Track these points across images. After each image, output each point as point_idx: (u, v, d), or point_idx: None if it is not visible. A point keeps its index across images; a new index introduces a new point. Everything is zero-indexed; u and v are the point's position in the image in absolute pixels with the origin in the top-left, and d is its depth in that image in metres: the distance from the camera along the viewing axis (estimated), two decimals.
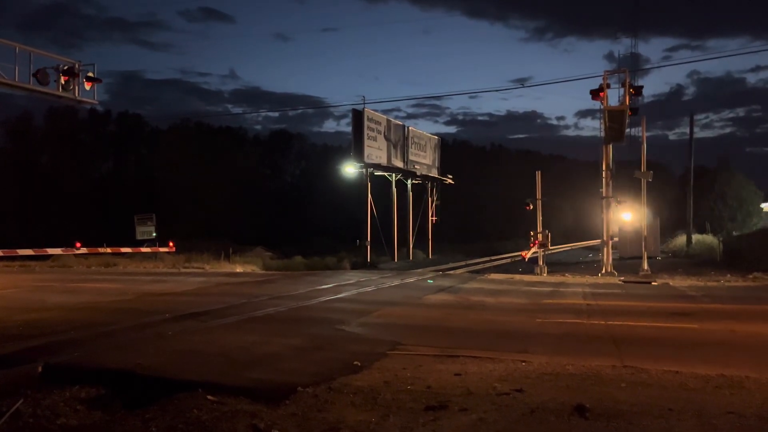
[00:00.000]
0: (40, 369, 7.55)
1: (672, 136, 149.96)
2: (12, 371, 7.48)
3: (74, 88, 16.72)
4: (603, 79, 21.12)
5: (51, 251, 27.81)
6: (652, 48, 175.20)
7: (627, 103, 20.95)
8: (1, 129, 65.88)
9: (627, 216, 24.24)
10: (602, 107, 21.17)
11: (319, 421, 5.57)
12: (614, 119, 21.19)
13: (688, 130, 43.15)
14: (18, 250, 25.17)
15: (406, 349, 8.93)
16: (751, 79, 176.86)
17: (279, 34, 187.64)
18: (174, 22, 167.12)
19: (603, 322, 11.57)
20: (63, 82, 16.45)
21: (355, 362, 7.96)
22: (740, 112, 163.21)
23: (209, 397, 6.26)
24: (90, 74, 16.93)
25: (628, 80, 21.24)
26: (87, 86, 16.93)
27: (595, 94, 20.99)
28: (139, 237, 33.65)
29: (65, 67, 16.52)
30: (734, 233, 42.90)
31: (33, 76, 15.94)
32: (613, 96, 22.04)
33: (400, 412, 5.83)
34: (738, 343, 9.71)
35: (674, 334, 10.51)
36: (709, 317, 12.25)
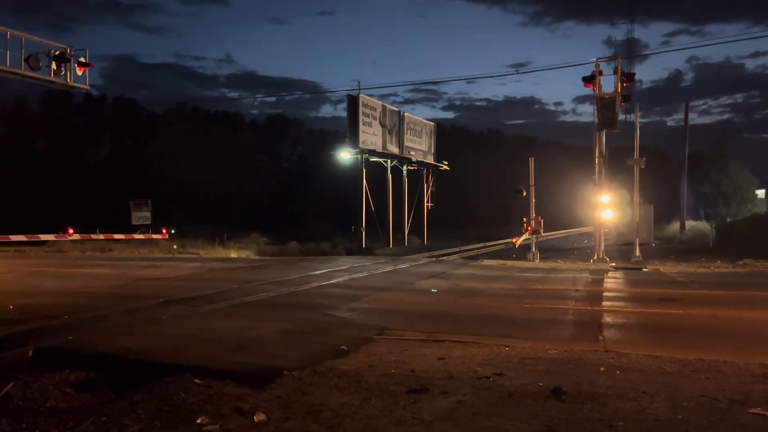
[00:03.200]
0: (30, 353, 7.66)
1: (670, 121, 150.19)
2: (3, 355, 7.60)
3: (66, 74, 16.66)
4: (595, 66, 21.14)
5: (44, 237, 27.86)
6: (650, 33, 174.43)
7: (619, 90, 20.97)
8: None
9: (605, 199, 23.99)
10: (595, 94, 21.22)
11: (302, 404, 5.69)
12: (606, 107, 21.22)
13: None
14: (11, 236, 25.21)
15: (393, 334, 9.07)
16: (750, 64, 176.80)
17: (275, 18, 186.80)
18: (168, 5, 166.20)
19: (590, 308, 11.74)
20: (54, 68, 16.40)
21: (342, 347, 8.09)
22: (738, 98, 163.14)
23: (196, 380, 6.37)
24: (82, 59, 16.87)
25: (620, 68, 21.25)
26: (79, 71, 16.88)
27: (587, 81, 21.02)
28: (134, 222, 33.74)
29: (57, 53, 16.46)
30: (728, 220, 43.14)
31: (24, 62, 15.90)
32: (608, 82, 22.03)
33: (383, 395, 5.96)
34: (720, 328, 9.86)
35: (659, 319, 10.67)
36: (695, 302, 12.41)
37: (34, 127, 66.65)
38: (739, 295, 13.83)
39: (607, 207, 23.82)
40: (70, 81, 16.83)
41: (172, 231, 32.13)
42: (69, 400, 5.96)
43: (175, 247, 28.04)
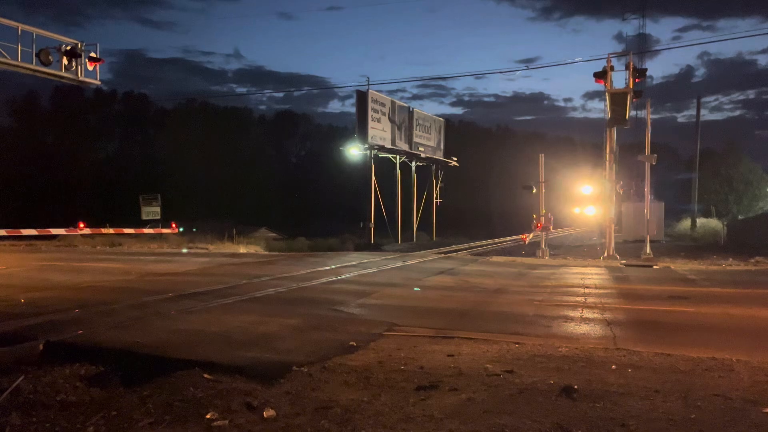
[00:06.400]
0: (41, 346, 7.69)
1: (681, 118, 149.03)
2: (14, 348, 7.61)
3: (77, 69, 16.74)
4: (607, 61, 20.96)
5: (55, 231, 28.02)
6: (662, 28, 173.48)
7: (631, 86, 20.78)
8: (7, 108, 66.10)
9: (587, 190, 23.18)
10: (606, 90, 21.06)
11: (311, 400, 5.68)
12: (617, 102, 21.04)
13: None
14: (22, 230, 25.38)
15: (403, 330, 9.04)
16: (762, 60, 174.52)
17: (283, 13, 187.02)
18: None
19: (600, 305, 11.65)
20: (65, 63, 16.47)
21: (351, 342, 8.07)
22: (750, 94, 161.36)
23: (205, 375, 6.37)
24: (92, 54, 16.93)
25: (632, 63, 21.06)
26: (89, 66, 16.94)
27: (598, 76, 20.85)
28: (144, 217, 33.88)
29: (68, 47, 16.53)
30: (740, 217, 42.79)
31: (36, 56, 15.97)
32: (619, 78, 21.82)
33: (392, 391, 5.93)
34: (733, 326, 9.76)
35: (670, 317, 10.57)
36: (707, 301, 12.31)
37: (44, 122, 67.10)
38: (751, 294, 13.70)
39: (590, 202, 22.86)
40: (80, 76, 16.89)
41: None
42: (79, 393, 5.96)
43: (184, 250, 28.07)
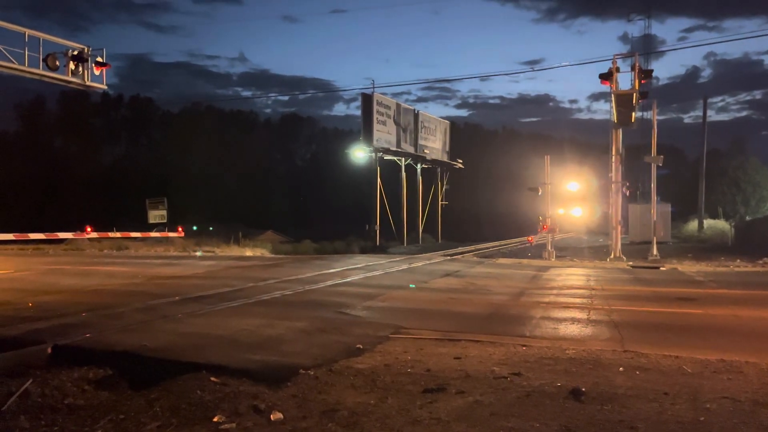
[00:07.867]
0: (49, 350, 7.72)
1: (687, 119, 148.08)
2: (23, 352, 7.64)
3: (83, 73, 16.83)
4: (612, 62, 20.91)
5: (62, 235, 28.15)
6: (667, 29, 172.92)
7: (636, 87, 20.73)
8: (14, 113, 66.50)
9: (573, 186, 22.90)
10: (611, 91, 21.00)
11: (318, 403, 5.68)
12: (623, 103, 21.00)
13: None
14: (29, 234, 25.51)
15: (409, 333, 9.02)
16: None
17: (287, 16, 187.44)
18: (180, 3, 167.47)
19: (607, 307, 11.60)
20: (72, 67, 16.56)
21: (358, 345, 8.06)
22: (757, 94, 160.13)
23: (212, 378, 6.38)
24: (99, 59, 17.01)
25: (637, 64, 21.01)
26: (96, 71, 17.02)
27: (604, 78, 20.78)
28: (151, 221, 33.99)
29: (74, 52, 16.62)
30: (747, 218, 42.55)
31: (43, 62, 16.06)
32: (625, 79, 21.76)
33: (399, 394, 5.92)
34: (741, 328, 9.70)
35: (677, 319, 10.52)
36: (715, 302, 12.24)
37: (51, 127, 67.50)
38: (759, 295, 13.63)
39: (577, 203, 22.55)
40: (87, 81, 16.98)
41: (194, 227, 32.38)
42: (87, 397, 5.98)
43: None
